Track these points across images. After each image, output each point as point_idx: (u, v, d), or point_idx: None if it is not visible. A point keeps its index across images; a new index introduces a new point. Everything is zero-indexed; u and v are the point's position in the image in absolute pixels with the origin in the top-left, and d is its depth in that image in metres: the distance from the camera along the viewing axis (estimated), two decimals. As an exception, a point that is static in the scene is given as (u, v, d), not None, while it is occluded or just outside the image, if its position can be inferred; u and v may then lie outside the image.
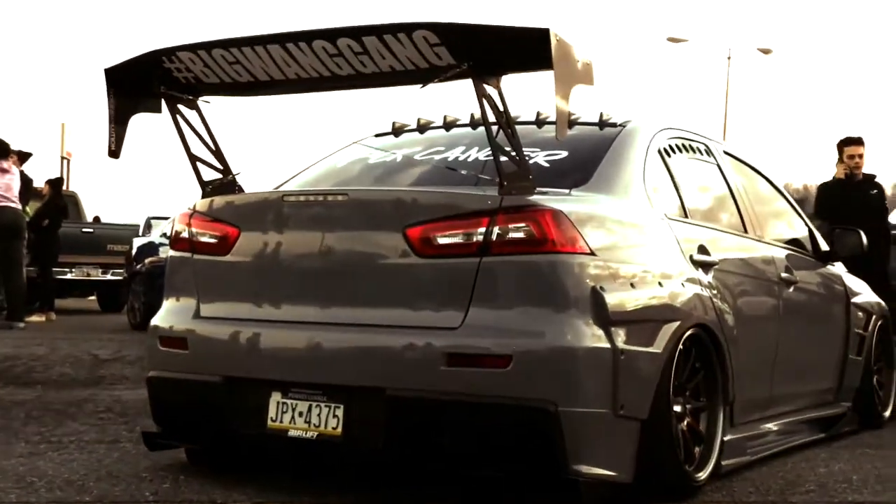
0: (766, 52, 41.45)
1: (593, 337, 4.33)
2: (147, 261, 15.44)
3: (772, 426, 6.06)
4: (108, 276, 18.95)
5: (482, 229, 4.37)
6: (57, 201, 16.83)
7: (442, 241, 4.42)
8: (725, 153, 6.33)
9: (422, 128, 5.93)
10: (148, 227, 20.85)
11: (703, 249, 5.31)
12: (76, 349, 11.45)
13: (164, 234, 16.51)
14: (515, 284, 4.35)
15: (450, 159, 5.28)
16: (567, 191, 4.74)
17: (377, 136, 6.00)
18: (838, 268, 7.26)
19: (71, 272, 18.55)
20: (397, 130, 6.00)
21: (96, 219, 22.44)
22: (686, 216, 5.41)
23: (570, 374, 4.28)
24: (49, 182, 17.19)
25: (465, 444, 4.35)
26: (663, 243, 5.03)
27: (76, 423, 6.47)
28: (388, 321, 4.50)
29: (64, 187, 18.87)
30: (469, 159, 5.26)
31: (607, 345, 4.36)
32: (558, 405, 4.22)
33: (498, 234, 4.35)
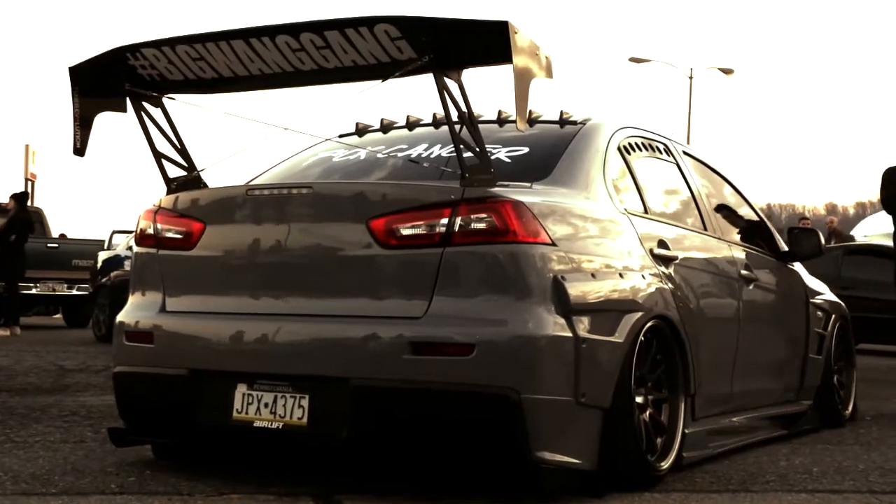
0: (727, 72, 41.75)
1: (555, 325, 4.39)
2: (112, 274, 15.44)
3: (733, 421, 6.13)
4: (74, 292, 18.90)
5: (444, 220, 4.42)
6: (22, 216, 16.78)
7: (405, 232, 4.48)
8: (685, 153, 6.41)
9: (385, 128, 6.00)
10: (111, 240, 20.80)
11: (663, 244, 5.39)
12: (41, 360, 11.45)
13: (129, 248, 16.48)
14: (478, 274, 4.41)
15: (413, 156, 5.34)
16: (528, 184, 4.80)
17: (341, 136, 6.05)
18: (797, 267, 7.35)
19: (36, 287, 18.50)
20: (361, 131, 6.06)
21: (62, 236, 22.37)
22: (646, 212, 5.49)
23: (532, 362, 4.33)
24: (13, 196, 17.15)
25: (429, 432, 4.40)
26: (624, 237, 5.10)
27: (40, 426, 6.47)
28: (352, 312, 4.55)
29: (29, 203, 18.81)
30: (432, 156, 5.32)
31: (569, 333, 4.42)
32: (521, 392, 4.28)
33: (460, 224, 4.41)
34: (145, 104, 5.05)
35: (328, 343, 4.56)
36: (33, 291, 18.44)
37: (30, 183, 33.61)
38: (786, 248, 7.18)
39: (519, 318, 4.35)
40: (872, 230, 25.92)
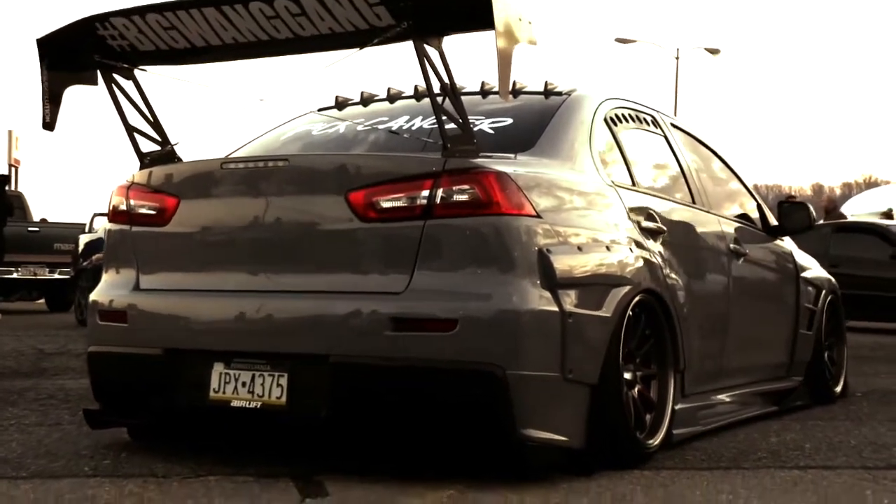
0: (713, 52, 41.63)
1: (540, 299, 4.26)
2: (94, 257, 15.24)
3: (723, 398, 6.02)
4: (56, 276, 18.71)
5: (426, 192, 4.29)
6: (2, 199, 16.59)
7: (385, 204, 4.34)
8: (673, 125, 6.28)
9: (365, 101, 5.86)
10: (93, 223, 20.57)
11: (651, 217, 5.26)
12: (21, 344, 11.30)
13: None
14: (460, 247, 4.28)
15: (394, 128, 5.20)
16: (512, 155, 4.67)
17: (320, 110, 5.91)
18: (787, 243, 7.24)
19: (17, 271, 18.30)
20: (340, 104, 5.92)
21: (43, 220, 22.17)
22: (634, 185, 5.36)
23: (517, 338, 4.21)
24: (-8, 181, 16.94)
25: (411, 410, 4.27)
26: (611, 210, 4.97)
27: (16, 409, 6.32)
28: (331, 287, 4.42)
29: (10, 187, 18.61)
30: (413, 128, 5.19)
31: (554, 308, 4.29)
32: (505, 369, 4.15)
33: (442, 196, 4.27)
34: (116, 76, 4.90)
35: (306, 319, 4.42)
36: (14, 276, 18.25)
37: (13, 169, 33.43)
38: (775, 223, 7.05)
39: (503, 292, 4.22)
40: (859, 210, 25.95)
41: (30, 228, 19.01)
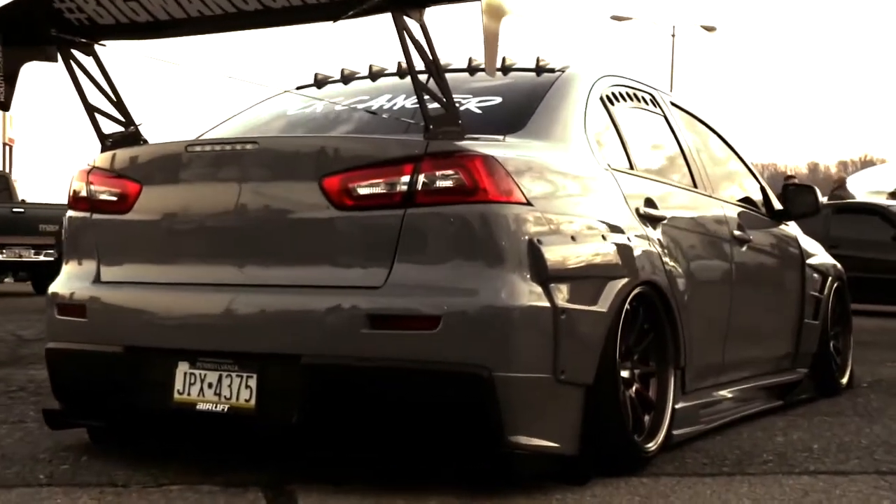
0: (709, 29, 41.23)
1: (531, 294, 3.92)
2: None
3: (726, 393, 5.68)
4: (41, 257, 18.31)
5: (406, 178, 3.94)
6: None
7: (362, 191, 4.00)
8: (673, 104, 5.93)
9: (346, 79, 5.50)
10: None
11: (650, 203, 4.92)
12: (0, 329, 10.97)
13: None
14: (444, 238, 3.93)
15: (374, 108, 4.85)
16: (500, 137, 4.32)
17: (298, 88, 5.55)
18: (792, 227, 6.89)
19: (1, 253, 17.92)
20: (320, 82, 5.56)
21: (23, 201, 21.75)
22: (631, 168, 5.02)
23: (505, 336, 3.87)
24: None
25: (389, 416, 3.94)
26: (607, 195, 4.63)
27: (-19, 403, 5.99)
28: (304, 281, 4.07)
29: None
30: (395, 107, 4.83)
31: (546, 303, 3.95)
32: (492, 370, 3.81)
33: (423, 182, 3.93)
34: (75, 52, 4.54)
35: (276, 316, 4.08)
36: (-1, 258, 17.88)
37: (8, 148, 33.10)
38: (780, 207, 6.70)
39: (490, 286, 3.88)
40: (855, 188, 25.64)
41: (14, 209, 18.62)
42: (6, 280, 20.23)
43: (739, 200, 6.26)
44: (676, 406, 4.83)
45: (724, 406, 5.59)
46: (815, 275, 6.90)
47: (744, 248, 5.88)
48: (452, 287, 3.88)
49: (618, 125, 5.08)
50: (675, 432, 4.80)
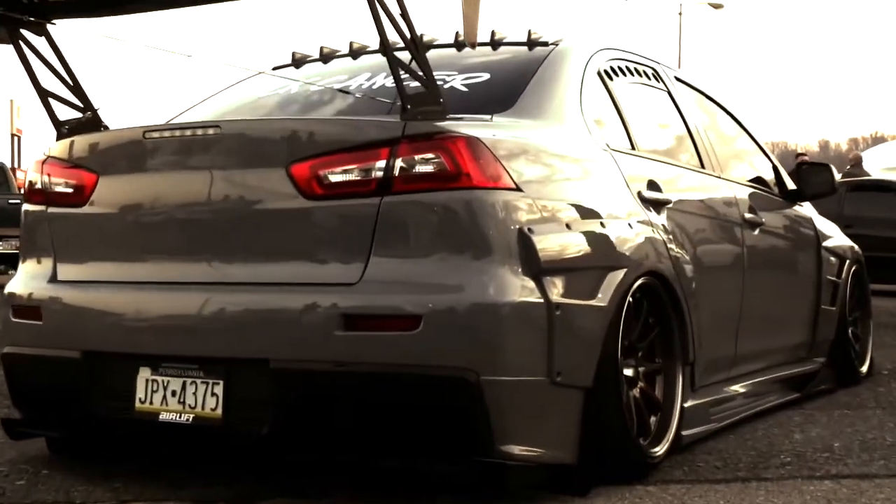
0: (717, 6, 40.69)
1: (522, 289, 3.55)
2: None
3: (738, 388, 5.30)
4: (38, 250, 17.95)
5: (381, 163, 3.57)
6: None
7: (333, 178, 3.63)
8: (677, 79, 5.54)
9: (325, 57, 5.13)
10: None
11: (653, 186, 4.54)
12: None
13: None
14: (424, 229, 3.57)
15: (352, 87, 4.48)
16: (487, 117, 3.95)
17: (274, 69, 5.18)
18: (807, 208, 6.50)
19: (-1, 245, 17.57)
20: (298, 62, 5.19)
21: (20, 192, 21.42)
22: (633, 148, 4.63)
23: (494, 336, 3.50)
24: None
25: (367, 426, 3.58)
26: (605, 178, 4.26)
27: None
28: (272, 279, 3.71)
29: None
30: (374, 86, 4.46)
31: (539, 298, 3.58)
32: (480, 374, 3.44)
33: (401, 167, 3.56)
34: (24, 32, 4.16)
35: (242, 317, 3.72)
36: (-5, 250, 17.51)
37: (16, 138, 32.82)
38: (793, 187, 6.31)
39: (476, 281, 3.50)
40: (868, 166, 25.17)
41: (11, 200, 18.26)
42: (2, 272, 19.90)
43: (750, 181, 5.88)
44: (685, 405, 4.46)
45: (736, 402, 5.21)
46: (832, 258, 6.51)
47: (756, 232, 5.50)
48: (435, 283, 3.51)
49: (617, 102, 4.70)
50: (684, 433, 4.43)
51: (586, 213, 3.98)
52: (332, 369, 3.54)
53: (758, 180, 6.00)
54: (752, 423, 5.21)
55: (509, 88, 4.24)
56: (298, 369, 3.59)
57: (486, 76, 4.41)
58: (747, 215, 5.44)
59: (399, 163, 3.56)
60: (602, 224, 4.01)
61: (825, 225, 6.65)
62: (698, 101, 5.69)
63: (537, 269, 3.59)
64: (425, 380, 3.48)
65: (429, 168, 3.55)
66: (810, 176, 6.31)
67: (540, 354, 3.59)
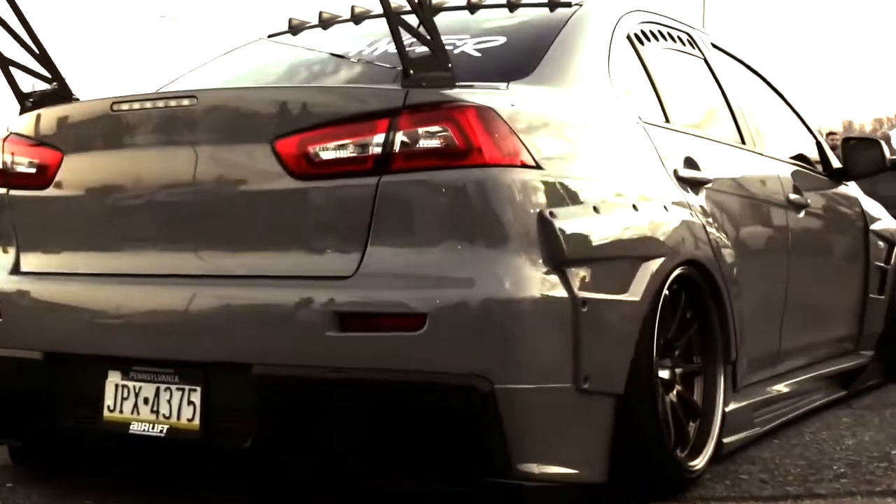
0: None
1: (543, 283, 3.06)
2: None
3: (782, 387, 4.80)
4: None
5: (379, 137, 3.09)
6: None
7: (324, 155, 3.15)
8: (714, 46, 5.03)
9: (325, 23, 4.65)
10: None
11: (690, 163, 4.05)
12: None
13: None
14: (429, 213, 3.08)
15: (352, 54, 4.00)
16: (503, 84, 3.45)
17: (270, 36, 4.70)
18: (853, 188, 5.98)
19: None
20: (295, 28, 4.71)
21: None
22: (667, 121, 4.14)
23: (511, 337, 3.01)
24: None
25: (362, 440, 3.10)
26: (638, 154, 3.77)
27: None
28: (255, 270, 3.23)
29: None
30: (376, 52, 3.98)
31: (563, 293, 3.09)
32: (494, 382, 2.96)
33: (402, 142, 3.07)
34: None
35: (222, 315, 3.24)
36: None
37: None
38: (838, 165, 5.79)
39: (490, 274, 3.02)
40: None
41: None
42: None
43: (793, 158, 5.36)
44: (727, 409, 3.97)
45: (780, 403, 4.71)
46: (881, 242, 6.00)
47: (801, 215, 4.99)
48: (441, 276, 3.03)
49: (649, 70, 4.21)
50: (725, 440, 3.96)
51: (616, 194, 3.49)
52: (324, 376, 3.06)
53: (801, 158, 5.48)
54: (798, 427, 4.73)
55: (528, 53, 3.74)
56: (285, 375, 3.11)
57: (501, 40, 3.91)
58: (792, 196, 4.93)
59: (400, 136, 3.07)
60: (634, 207, 3.51)
61: (872, 206, 6.13)
62: (737, 71, 5.18)
63: (560, 259, 3.10)
64: (430, 388, 2.99)
65: (434, 142, 3.07)
66: (857, 152, 5.78)
67: (564, 358, 3.10)
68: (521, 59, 3.72)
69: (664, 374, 3.62)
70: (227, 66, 4.50)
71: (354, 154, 3.12)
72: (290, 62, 4.31)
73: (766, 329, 4.53)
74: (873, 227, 5.94)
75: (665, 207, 3.69)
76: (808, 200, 5.08)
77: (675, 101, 4.29)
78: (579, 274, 3.16)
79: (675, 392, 3.70)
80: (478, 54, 3.82)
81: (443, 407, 3.01)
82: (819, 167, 5.67)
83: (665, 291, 3.55)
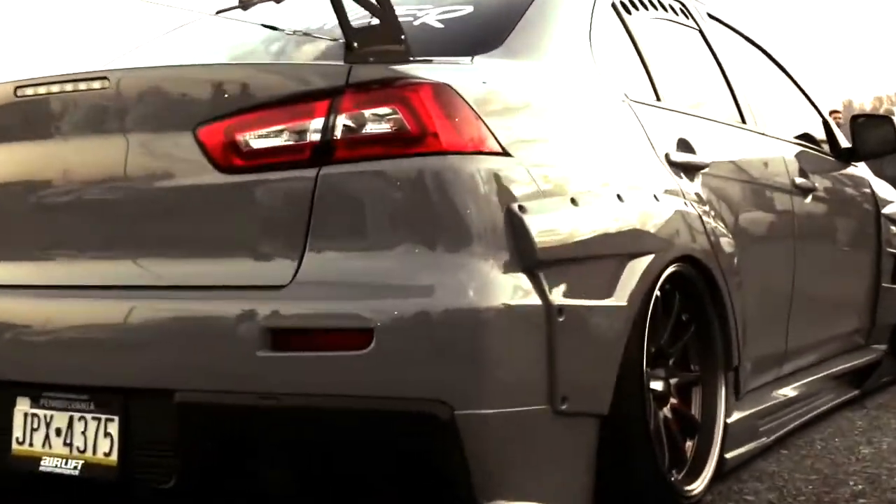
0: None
1: (512, 289, 2.61)
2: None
3: (789, 391, 4.37)
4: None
5: (318, 121, 2.64)
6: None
7: (254, 144, 2.70)
8: (710, 16, 4.58)
9: (278, -5, 4.18)
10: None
11: (684, 146, 3.60)
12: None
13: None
14: (378, 210, 2.63)
15: (301, 30, 3.55)
16: (467, 58, 3.00)
17: (219, 13, 4.25)
18: (862, 169, 5.53)
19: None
20: (245, 4, 4.23)
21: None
22: (658, 99, 3.69)
23: (475, 354, 2.55)
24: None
25: (301, 478, 2.67)
26: (623, 137, 3.33)
27: None
28: (175, 280, 2.78)
29: None
30: (326, 27, 3.53)
31: (536, 301, 2.65)
32: (455, 407, 2.50)
33: (345, 126, 2.62)
34: None
35: (141, 333, 2.79)
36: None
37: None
38: (847, 144, 5.34)
39: (450, 281, 2.57)
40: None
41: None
42: None
43: (797, 138, 4.92)
44: (729, 420, 3.54)
45: (787, 410, 4.28)
46: (893, 227, 5.56)
47: (808, 199, 4.55)
48: (392, 283, 2.58)
49: (637, 42, 3.76)
50: (728, 455, 3.53)
51: (598, 183, 3.05)
52: (254, 403, 2.61)
53: (806, 137, 5.03)
54: (808, 433, 4.31)
55: (497, 23, 3.29)
56: (210, 403, 2.66)
57: (467, 9, 3.46)
58: (798, 179, 4.48)
59: (342, 120, 2.62)
60: (619, 197, 3.06)
61: (884, 188, 5.71)
62: (736, 43, 4.74)
63: (532, 261, 2.66)
64: (379, 417, 2.55)
65: (383, 127, 2.62)
66: (867, 131, 5.32)
67: (538, 376, 2.66)
68: (488, 30, 3.27)
69: (657, 385, 3.20)
70: (169, 44, 4.06)
71: (289, 142, 2.67)
72: (239, 40, 3.87)
73: (771, 328, 4.09)
74: (885, 210, 5.51)
75: (655, 196, 3.24)
76: (815, 184, 4.65)
77: (666, 76, 3.84)
78: (555, 277, 2.71)
79: (669, 406, 3.27)
80: (440, 25, 3.37)
81: (395, 438, 2.57)
82: (826, 147, 5.22)
83: (656, 293, 3.11)
